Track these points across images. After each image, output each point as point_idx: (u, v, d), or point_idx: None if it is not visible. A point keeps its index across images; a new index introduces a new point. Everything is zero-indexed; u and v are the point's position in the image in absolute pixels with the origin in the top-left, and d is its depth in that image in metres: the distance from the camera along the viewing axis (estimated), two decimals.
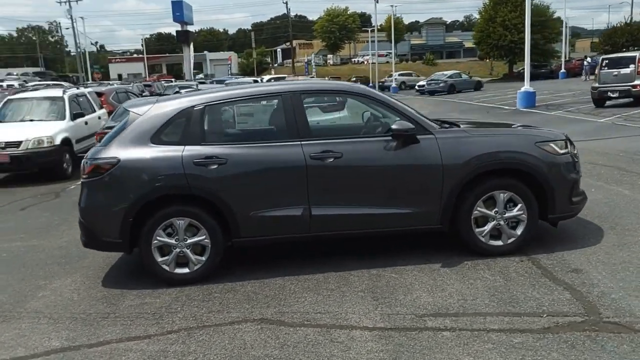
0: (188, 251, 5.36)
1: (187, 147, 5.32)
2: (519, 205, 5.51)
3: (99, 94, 16.01)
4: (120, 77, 73.47)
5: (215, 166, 5.26)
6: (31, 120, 12.35)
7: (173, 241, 5.33)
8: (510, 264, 5.34)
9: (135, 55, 78.68)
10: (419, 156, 5.40)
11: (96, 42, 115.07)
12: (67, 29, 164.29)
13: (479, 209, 5.48)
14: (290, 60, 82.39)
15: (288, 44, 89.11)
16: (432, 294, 4.79)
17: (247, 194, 5.32)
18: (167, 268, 5.36)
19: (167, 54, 79.00)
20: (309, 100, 6.18)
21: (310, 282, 5.23)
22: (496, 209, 5.51)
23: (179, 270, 5.38)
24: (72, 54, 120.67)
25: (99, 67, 76.22)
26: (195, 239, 5.35)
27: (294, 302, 4.81)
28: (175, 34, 57.28)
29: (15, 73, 55.61)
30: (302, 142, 5.36)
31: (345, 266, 5.54)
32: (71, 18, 60.97)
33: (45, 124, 12.02)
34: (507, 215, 5.52)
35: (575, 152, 5.86)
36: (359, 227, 5.50)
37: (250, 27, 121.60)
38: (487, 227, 5.54)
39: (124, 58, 78.88)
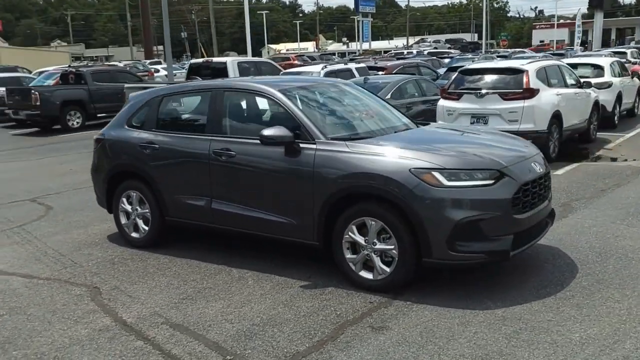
0: (139, 220, 6.33)
1: (142, 131, 6.23)
2: (392, 239, 4.67)
3: (381, 69, 17.10)
4: (542, 43, 71.80)
5: (149, 151, 6.05)
6: None
7: (130, 209, 6.37)
8: (353, 301, 4.67)
9: (561, 21, 75.19)
10: (295, 166, 5.10)
11: (535, 8, 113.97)
12: None
13: (350, 234, 4.87)
14: None
15: None
16: (231, 307, 4.68)
17: (170, 179, 5.96)
18: (127, 230, 6.46)
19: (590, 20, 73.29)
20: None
21: (190, 269, 5.61)
22: (367, 238, 4.80)
23: (133, 234, 6.42)
24: (520, 18, 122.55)
25: (506, 35, 75.88)
26: (143, 210, 6.27)
27: (140, 281, 5.36)
28: None
29: (429, 40, 60.30)
30: (212, 138, 5.66)
31: (246, 264, 5.61)
32: None
33: None
34: (377, 247, 4.75)
35: (501, 190, 4.53)
36: (248, 228, 5.53)
37: None
38: (358, 256, 4.87)
39: (548, 24, 76.31)
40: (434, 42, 61.30)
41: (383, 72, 16.93)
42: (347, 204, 4.85)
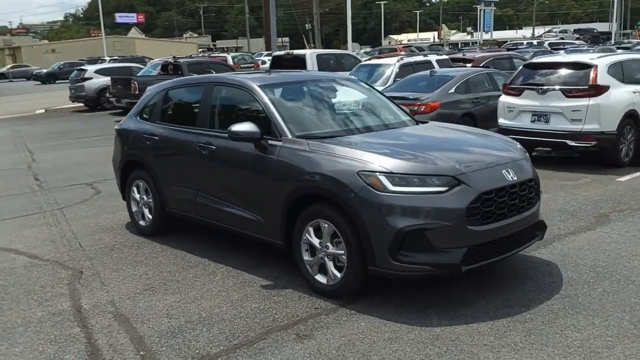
0: (145, 209, 6.55)
1: (148, 123, 6.42)
2: (342, 244, 4.47)
3: (468, 61, 16.34)
4: None
5: (150, 142, 6.23)
6: None
7: (138, 198, 6.61)
8: (299, 306, 4.52)
9: None
10: (262, 162, 5.01)
11: None
12: None
13: (307, 235, 4.71)
14: None
15: None
16: (182, 302, 4.71)
17: (167, 171, 6.11)
18: (136, 218, 6.71)
19: None
20: None
21: (174, 260, 5.71)
22: (321, 241, 4.63)
23: (141, 222, 6.65)
24: None
25: None
26: (148, 200, 6.48)
27: (121, 269, 5.53)
28: None
29: (555, 30, 56.83)
30: (199, 131, 5.71)
31: (227, 259, 5.63)
32: None
33: None
34: (330, 251, 4.57)
35: (453, 199, 4.18)
36: (227, 223, 5.52)
37: None
38: (314, 259, 4.72)
39: None
40: (560, 32, 57.57)
41: (470, 65, 16.18)
42: (304, 205, 4.70)
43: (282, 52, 17.48)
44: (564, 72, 9.48)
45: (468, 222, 4.17)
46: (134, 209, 6.69)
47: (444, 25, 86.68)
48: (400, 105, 6.12)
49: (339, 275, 4.53)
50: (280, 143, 4.91)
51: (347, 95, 5.94)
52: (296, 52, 17.30)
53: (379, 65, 14.70)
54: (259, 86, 5.34)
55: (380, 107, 5.90)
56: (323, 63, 15.68)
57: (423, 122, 5.87)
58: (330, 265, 4.58)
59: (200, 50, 75.09)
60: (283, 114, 5.12)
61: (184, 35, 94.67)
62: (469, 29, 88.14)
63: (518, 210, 4.52)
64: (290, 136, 4.91)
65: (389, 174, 4.22)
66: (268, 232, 5.08)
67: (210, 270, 5.41)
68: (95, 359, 3.88)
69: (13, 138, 16.24)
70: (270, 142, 4.98)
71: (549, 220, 6.44)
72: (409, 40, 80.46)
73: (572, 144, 9.06)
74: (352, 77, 6.36)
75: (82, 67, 24.12)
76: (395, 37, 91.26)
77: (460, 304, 4.40)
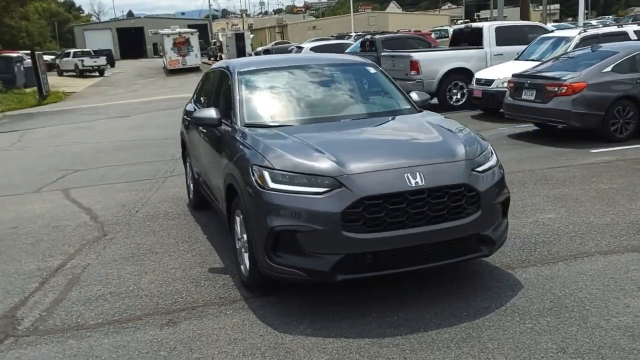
0: (191, 183, 7.05)
1: (193, 104, 6.89)
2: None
3: None
4: None
5: (187, 123, 6.69)
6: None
7: (189, 173, 7.14)
8: (210, 293, 4.57)
9: None
10: (218, 149, 5.11)
11: None
12: None
13: (236, 225, 4.71)
14: None
15: None
16: (132, 274, 5.07)
17: (194, 149, 6.51)
18: (188, 191, 7.25)
19: None
20: None
21: (182, 235, 6.09)
22: (241, 231, 4.59)
23: (190, 196, 7.15)
24: None
25: None
26: (192, 175, 6.97)
27: (134, 237, 6.09)
28: None
29: None
30: None
31: (218, 238, 5.84)
32: None
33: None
34: (243, 241, 4.51)
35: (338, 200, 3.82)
36: (214, 204, 5.72)
37: None
38: (239, 249, 4.70)
39: None
40: None
41: None
42: (234, 194, 4.67)
43: (462, 26, 16.53)
44: None
45: (345, 228, 3.75)
46: (188, 182, 7.23)
47: None
48: (410, 92, 5.56)
49: (249, 266, 4.44)
50: (230, 129, 4.92)
51: (340, 81, 5.57)
52: (474, 25, 16.17)
53: (559, 38, 13.07)
54: (238, 72, 5.37)
55: (375, 95, 5.46)
56: (503, 35, 14.43)
57: (420, 111, 5.26)
58: (245, 256, 4.50)
59: (459, 21, 73.71)
60: (245, 101, 5.09)
61: (444, 7, 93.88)
62: None
63: (429, 220, 3.87)
64: (239, 124, 4.89)
65: (272, 170, 3.99)
66: (223, 217, 5.15)
67: (194, 247, 5.67)
68: (12, 312, 4.46)
69: None
70: (226, 128, 5.01)
71: (597, 233, 5.35)
72: None
73: None
74: (363, 60, 5.91)
75: (300, 45, 25.71)
76: None
77: (348, 315, 3.98)
